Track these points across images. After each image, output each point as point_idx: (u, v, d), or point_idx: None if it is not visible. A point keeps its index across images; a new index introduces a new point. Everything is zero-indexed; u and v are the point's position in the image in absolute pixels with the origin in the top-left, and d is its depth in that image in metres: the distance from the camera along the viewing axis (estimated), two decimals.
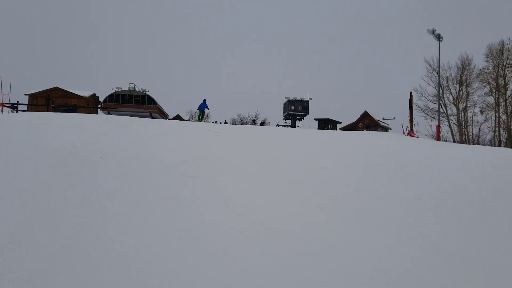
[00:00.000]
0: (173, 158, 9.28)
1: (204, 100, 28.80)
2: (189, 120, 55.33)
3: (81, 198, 5.78)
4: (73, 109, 35.67)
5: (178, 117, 58.51)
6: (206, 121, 28.46)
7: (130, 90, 45.26)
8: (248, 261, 4.25)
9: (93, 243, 4.32)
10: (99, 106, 43.63)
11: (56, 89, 43.52)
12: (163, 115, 50.67)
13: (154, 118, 38.21)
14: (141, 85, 50.15)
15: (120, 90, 44.95)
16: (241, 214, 5.81)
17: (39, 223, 4.73)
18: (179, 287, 3.59)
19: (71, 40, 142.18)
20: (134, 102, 44.80)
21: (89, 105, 44.26)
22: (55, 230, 4.56)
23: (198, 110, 29.26)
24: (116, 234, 4.62)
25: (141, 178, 7.23)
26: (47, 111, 33.71)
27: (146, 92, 45.38)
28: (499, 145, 40.12)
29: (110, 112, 41.12)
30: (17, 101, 34.31)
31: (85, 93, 45.73)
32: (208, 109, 29.53)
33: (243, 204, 6.36)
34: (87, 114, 19.82)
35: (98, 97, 45.60)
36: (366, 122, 49.40)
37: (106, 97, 44.72)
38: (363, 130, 41.27)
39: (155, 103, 45.81)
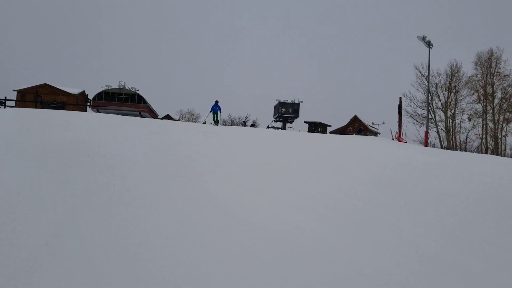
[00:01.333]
0: (162, 158, 9.23)
1: (216, 102, 26.51)
2: (179, 120, 55.10)
3: (68, 196, 5.71)
4: (62, 106, 35.15)
5: (168, 117, 58.21)
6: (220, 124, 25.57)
7: (120, 88, 44.82)
8: (234, 262, 4.24)
9: (78, 241, 4.27)
10: (88, 104, 43.11)
11: (45, 86, 42.82)
12: (153, 114, 50.34)
13: (144, 117, 37.95)
14: (131, 84, 49.76)
15: (110, 88, 44.51)
16: (229, 216, 5.80)
17: (24, 220, 4.66)
18: (165, 287, 3.56)
19: (61, 36, 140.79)
20: (123, 101, 44.39)
21: (78, 102, 43.72)
22: (40, 228, 4.50)
23: (211, 113, 26.69)
24: (102, 233, 4.57)
25: (129, 177, 7.17)
26: (36, 107, 33.26)
27: (136, 91, 45.01)
28: (486, 152, 40.71)
29: (99, 110, 40.69)
30: (5, 97, 33.78)
31: (74, 90, 45.07)
32: (221, 111, 26.83)
33: (231, 206, 6.35)
34: (76, 112, 19.60)
35: (87, 94, 45.00)
36: (357, 126, 49.66)
37: (96, 95, 44.24)
38: (352, 134, 41.52)
39: (145, 102, 45.47)
